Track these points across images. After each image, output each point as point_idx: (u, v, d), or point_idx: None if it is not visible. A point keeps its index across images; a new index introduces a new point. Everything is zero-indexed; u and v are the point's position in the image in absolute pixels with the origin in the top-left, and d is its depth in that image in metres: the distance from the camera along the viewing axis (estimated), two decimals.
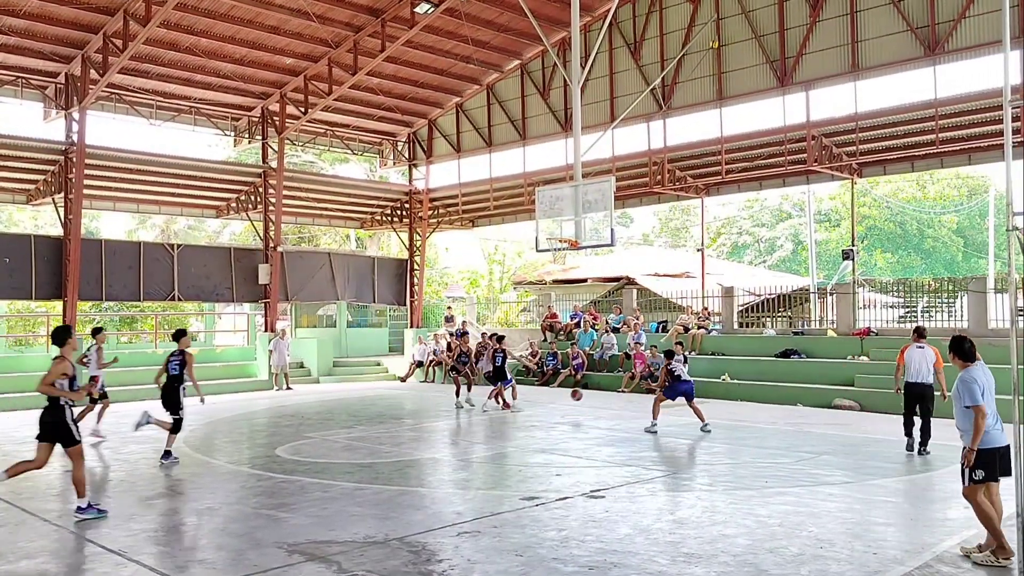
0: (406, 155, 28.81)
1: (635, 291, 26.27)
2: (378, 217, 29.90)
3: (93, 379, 13.64)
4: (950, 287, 21.81)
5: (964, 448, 6.60)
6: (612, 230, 14.57)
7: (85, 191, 21.27)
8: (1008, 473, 6.62)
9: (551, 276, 34.56)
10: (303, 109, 23.53)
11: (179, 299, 24.16)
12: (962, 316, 18.75)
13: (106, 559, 6.76)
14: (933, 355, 11.57)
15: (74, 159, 20.31)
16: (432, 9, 20.32)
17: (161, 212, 27.33)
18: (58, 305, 21.88)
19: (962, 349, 6.86)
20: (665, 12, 22.17)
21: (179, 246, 24.36)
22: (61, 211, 20.97)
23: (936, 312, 21.13)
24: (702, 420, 13.80)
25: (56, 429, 7.91)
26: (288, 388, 23.24)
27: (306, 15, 20.24)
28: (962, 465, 6.58)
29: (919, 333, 11.89)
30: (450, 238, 42.39)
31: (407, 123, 27.89)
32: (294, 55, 22.26)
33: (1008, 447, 6.59)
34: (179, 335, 11.97)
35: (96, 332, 14.74)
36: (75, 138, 20.34)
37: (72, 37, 19.58)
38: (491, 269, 40.92)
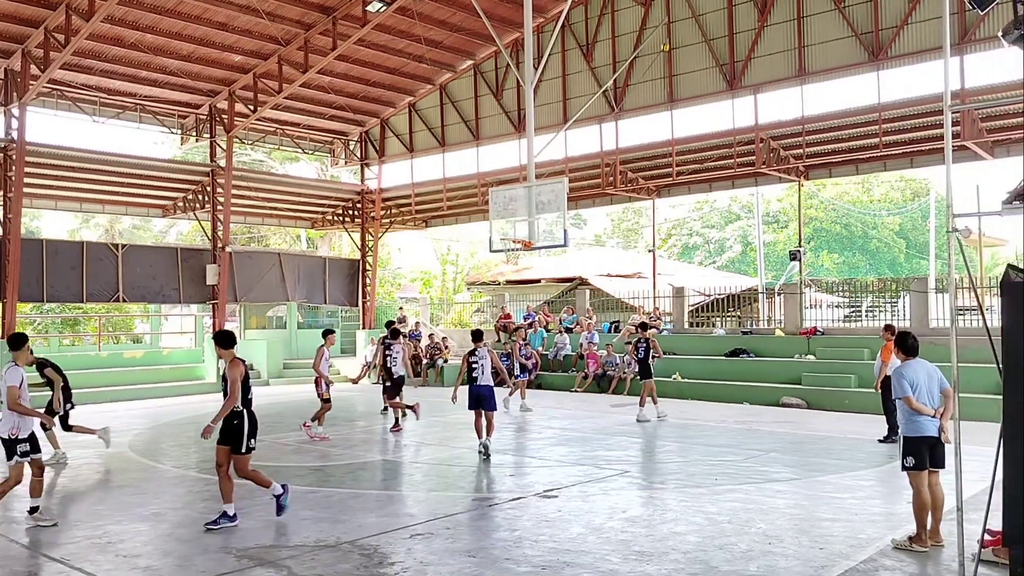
0: (358, 154, 28.57)
1: (588, 291, 26.42)
2: (329, 217, 29.60)
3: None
4: (893, 287, 22.36)
5: (902, 438, 7.02)
6: (565, 231, 14.65)
7: (25, 189, 20.66)
8: (942, 465, 6.88)
9: (504, 277, 34.58)
10: (252, 107, 23.18)
11: (124, 300, 23.62)
12: (905, 315, 19.24)
13: (48, 568, 6.58)
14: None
15: (13, 156, 19.71)
16: (384, 8, 20.16)
17: (105, 211, 26.72)
18: None
19: (905, 344, 7.15)
20: (617, 15, 22.34)
21: (124, 246, 23.81)
22: (0, 210, 20.35)
23: (880, 312, 21.65)
24: (488, 433, 11.44)
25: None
26: None
27: (255, 12, 19.93)
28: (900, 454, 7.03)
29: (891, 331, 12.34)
30: (403, 238, 42.14)
31: (359, 122, 27.66)
32: (243, 52, 21.91)
33: (938, 438, 6.84)
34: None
35: (326, 334, 14.47)
36: (15, 135, 19.73)
37: (11, 31, 19.01)
38: (444, 270, 40.75)
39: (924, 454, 6.80)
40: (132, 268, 23.29)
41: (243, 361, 8.07)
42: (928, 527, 6.79)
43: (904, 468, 6.89)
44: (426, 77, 25.63)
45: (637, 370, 15.98)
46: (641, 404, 15.37)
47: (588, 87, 22.72)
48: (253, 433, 7.93)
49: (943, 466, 6.88)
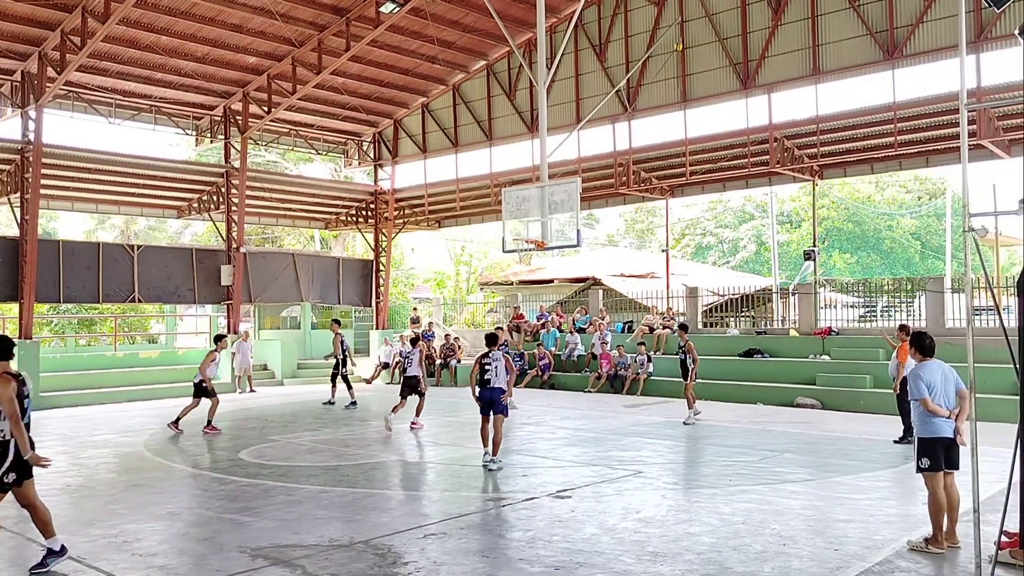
0: (371, 155, 28.64)
1: (601, 291, 26.38)
2: (343, 218, 29.69)
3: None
4: (908, 287, 22.20)
5: (917, 439, 6.97)
6: (578, 231, 14.63)
7: (42, 191, 20.82)
8: (956, 466, 6.85)
9: (517, 277, 34.59)
10: (266, 108, 23.29)
11: (139, 301, 23.76)
12: (920, 315, 19.11)
13: (64, 565, 6.63)
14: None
15: (31, 158, 19.88)
16: (397, 9, 20.21)
17: (121, 212, 26.89)
18: (14, 307, 21.43)
19: (922, 344, 7.06)
20: (630, 14, 22.31)
21: (139, 247, 23.95)
22: (17, 211, 20.52)
23: (895, 312, 21.51)
24: (494, 449, 10.85)
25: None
26: (251, 391, 22.98)
27: (269, 13, 20.03)
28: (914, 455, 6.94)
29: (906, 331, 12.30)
30: (416, 239, 42.22)
31: (372, 123, 27.74)
32: (257, 54, 22.01)
33: (954, 439, 6.80)
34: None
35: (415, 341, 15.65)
36: (32, 137, 19.90)
37: (28, 34, 19.17)
38: (457, 270, 40.82)
39: (939, 455, 6.77)
40: (147, 269, 23.43)
41: (17, 376, 6.37)
42: (944, 528, 6.75)
43: (919, 470, 6.86)
44: (439, 78, 25.67)
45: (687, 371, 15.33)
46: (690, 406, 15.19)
47: (601, 87, 22.69)
48: (16, 466, 6.37)
49: (958, 467, 6.85)
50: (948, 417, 6.78)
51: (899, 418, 12.44)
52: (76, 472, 10.98)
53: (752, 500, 8.66)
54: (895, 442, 12.17)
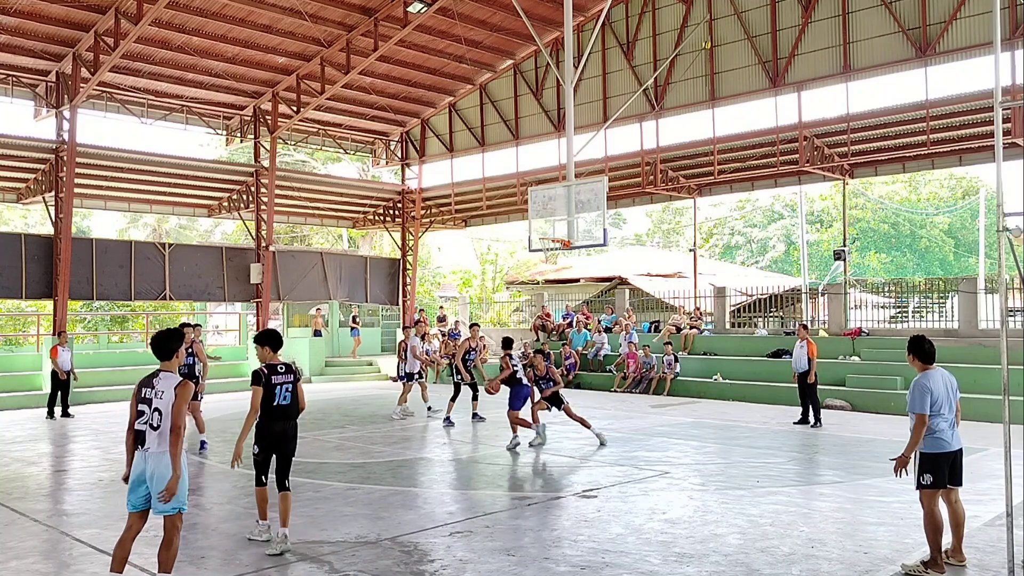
0: (399, 154, 28.77)
1: (628, 291, 26.29)
2: (370, 216, 29.86)
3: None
4: (941, 287, 21.90)
5: (918, 453, 6.36)
6: (605, 230, 14.57)
7: (76, 190, 21.18)
8: (961, 482, 6.42)
9: (544, 276, 34.57)
10: (295, 108, 23.47)
11: (170, 298, 24.06)
12: (953, 316, 18.83)
13: (96, 559, 6.73)
14: (807, 346, 14.82)
15: (65, 157, 20.22)
16: (425, 8, 20.29)
17: (152, 211, 27.25)
18: (48, 304, 21.79)
19: (922, 349, 6.49)
20: (658, 12, 22.21)
21: (170, 245, 24.26)
22: (52, 210, 20.87)
23: (927, 312, 21.22)
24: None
25: None
26: None
27: (298, 14, 20.19)
28: (915, 471, 6.33)
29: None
30: (443, 238, 42.36)
31: (400, 122, 27.86)
32: (286, 54, 22.20)
33: (960, 451, 6.36)
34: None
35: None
36: (66, 136, 20.24)
37: (63, 35, 19.49)
38: (484, 269, 40.87)
39: (944, 471, 6.27)
40: (178, 267, 23.72)
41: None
42: (951, 546, 6.39)
43: (920, 486, 6.30)
44: (466, 77, 25.73)
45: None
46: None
47: (628, 86, 22.61)
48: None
49: (962, 483, 6.42)
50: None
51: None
52: (108, 467, 11.15)
53: (780, 502, 8.59)
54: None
